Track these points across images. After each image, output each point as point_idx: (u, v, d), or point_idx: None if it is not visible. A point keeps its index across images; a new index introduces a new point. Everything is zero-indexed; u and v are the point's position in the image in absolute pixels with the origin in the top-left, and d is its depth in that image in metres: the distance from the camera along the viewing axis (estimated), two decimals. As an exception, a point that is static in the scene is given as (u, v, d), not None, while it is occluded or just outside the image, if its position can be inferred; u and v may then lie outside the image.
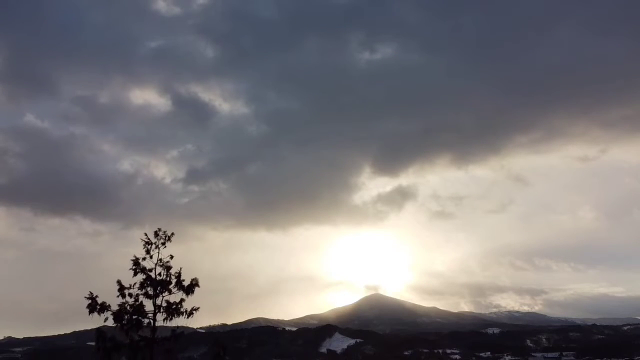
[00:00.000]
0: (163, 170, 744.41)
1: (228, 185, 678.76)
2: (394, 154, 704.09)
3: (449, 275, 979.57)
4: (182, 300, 14.63)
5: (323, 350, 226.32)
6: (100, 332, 14.31)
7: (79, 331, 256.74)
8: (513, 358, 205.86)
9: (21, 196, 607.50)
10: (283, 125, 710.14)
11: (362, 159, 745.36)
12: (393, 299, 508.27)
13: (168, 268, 14.52)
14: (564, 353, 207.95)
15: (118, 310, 14.25)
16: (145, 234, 14.63)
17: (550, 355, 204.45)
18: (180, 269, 14.71)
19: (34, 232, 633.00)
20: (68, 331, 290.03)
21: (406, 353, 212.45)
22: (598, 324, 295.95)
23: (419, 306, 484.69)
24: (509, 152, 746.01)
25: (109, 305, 14.19)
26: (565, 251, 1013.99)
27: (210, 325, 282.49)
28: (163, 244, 14.60)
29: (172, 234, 14.60)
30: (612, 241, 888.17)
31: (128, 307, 14.37)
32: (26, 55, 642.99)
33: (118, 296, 14.28)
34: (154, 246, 14.65)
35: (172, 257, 14.60)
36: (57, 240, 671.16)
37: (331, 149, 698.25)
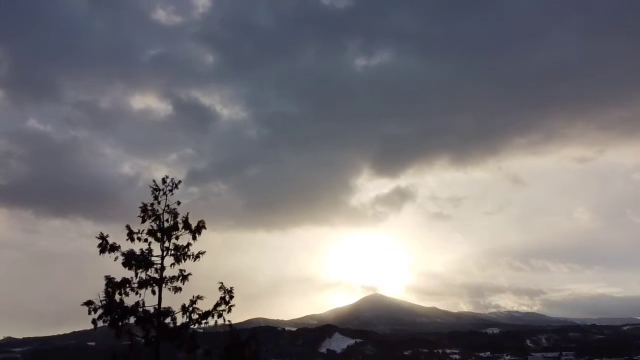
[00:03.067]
0: (163, 172, 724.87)
1: (228, 187, 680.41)
2: (393, 156, 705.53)
3: (447, 276, 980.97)
4: (188, 244, 14.86)
5: (323, 350, 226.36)
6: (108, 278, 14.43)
7: (79, 331, 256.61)
8: (513, 358, 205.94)
9: (23, 198, 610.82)
10: (282, 128, 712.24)
11: (361, 160, 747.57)
12: (392, 299, 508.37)
13: (175, 214, 14.71)
14: (563, 353, 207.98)
15: (128, 252, 14.41)
16: (154, 181, 14.94)
17: (549, 355, 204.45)
18: (187, 213, 15.02)
19: (35, 233, 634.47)
20: (68, 331, 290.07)
21: (406, 353, 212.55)
22: (598, 324, 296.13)
23: (419, 306, 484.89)
24: (507, 154, 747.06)
25: (119, 246, 14.37)
26: (563, 252, 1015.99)
27: (210, 325, 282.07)
28: (170, 190, 14.88)
29: (180, 181, 14.95)
30: (609, 242, 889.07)
31: (137, 251, 14.58)
32: (30, 60, 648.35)
33: (127, 240, 14.51)
34: (161, 192, 14.88)
35: (179, 203, 14.89)
36: (59, 241, 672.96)
37: (330, 150, 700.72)
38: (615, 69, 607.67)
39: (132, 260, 14.32)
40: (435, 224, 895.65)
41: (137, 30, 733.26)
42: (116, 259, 14.30)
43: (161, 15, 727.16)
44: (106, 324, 14.06)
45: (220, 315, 14.73)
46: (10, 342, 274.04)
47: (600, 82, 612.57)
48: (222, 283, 14.88)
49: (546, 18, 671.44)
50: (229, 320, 14.86)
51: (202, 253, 14.82)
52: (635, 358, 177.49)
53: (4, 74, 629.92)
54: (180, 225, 14.84)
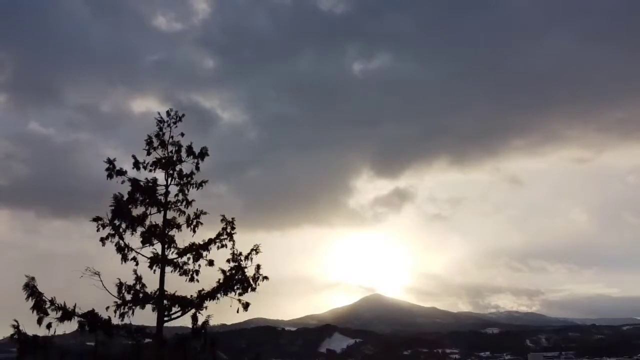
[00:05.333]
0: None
1: (228, 188, 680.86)
2: (392, 157, 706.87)
3: (446, 276, 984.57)
4: (192, 172, 14.97)
5: (323, 350, 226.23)
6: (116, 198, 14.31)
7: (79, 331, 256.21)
8: (512, 358, 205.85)
9: (25, 199, 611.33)
10: (282, 131, 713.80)
11: (360, 162, 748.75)
12: (392, 299, 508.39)
13: (179, 146, 14.85)
14: (563, 353, 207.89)
15: (134, 178, 14.46)
16: (159, 113, 14.98)
17: (549, 354, 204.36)
18: (191, 142, 15.10)
19: (37, 234, 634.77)
20: (68, 331, 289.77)
21: (406, 353, 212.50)
22: (597, 325, 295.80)
23: (418, 306, 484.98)
24: (505, 155, 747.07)
25: (126, 171, 14.41)
26: (560, 252, 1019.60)
27: (210, 325, 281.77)
28: (174, 122, 14.98)
29: (183, 114, 14.95)
30: (606, 243, 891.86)
31: (142, 180, 14.59)
32: (32, 65, 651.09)
33: (133, 168, 14.59)
34: (165, 124, 14.98)
35: (182, 134, 14.97)
36: (60, 242, 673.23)
37: (329, 152, 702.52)
38: (612, 71, 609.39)
39: (138, 185, 14.39)
40: (434, 225, 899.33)
41: (138, 36, 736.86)
42: (123, 182, 14.38)
43: (162, 21, 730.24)
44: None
45: (223, 245, 14.64)
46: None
47: (598, 84, 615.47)
48: (223, 215, 14.86)
49: (544, 21, 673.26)
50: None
51: (205, 182, 14.99)
52: (635, 358, 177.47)
53: (7, 78, 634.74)
54: (184, 154, 14.95)
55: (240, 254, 14.72)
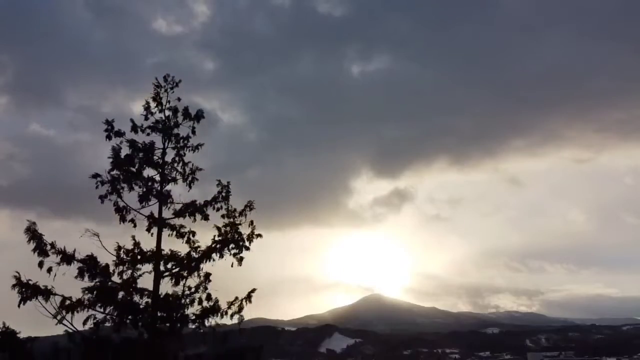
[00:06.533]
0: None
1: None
2: (391, 158, 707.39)
3: (445, 276, 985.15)
4: (188, 135, 15.00)
5: (322, 350, 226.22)
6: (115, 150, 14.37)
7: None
8: (512, 357, 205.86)
9: (26, 200, 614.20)
10: (282, 131, 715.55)
11: (360, 162, 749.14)
12: (392, 299, 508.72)
13: (175, 110, 14.88)
14: (563, 352, 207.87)
15: (131, 141, 14.46)
16: (156, 78, 14.96)
17: (549, 354, 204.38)
18: (186, 106, 15.09)
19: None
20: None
21: (405, 352, 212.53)
22: (597, 325, 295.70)
23: (418, 306, 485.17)
24: (505, 156, 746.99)
25: (124, 133, 14.43)
26: (559, 253, 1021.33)
27: (210, 325, 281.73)
28: (172, 88, 14.97)
29: (180, 80, 15.01)
30: (605, 243, 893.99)
31: (140, 143, 14.59)
32: (34, 67, 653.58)
33: (131, 132, 14.59)
34: (163, 89, 14.94)
35: (179, 99, 15.00)
36: (60, 242, 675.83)
37: (329, 153, 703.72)
38: (612, 72, 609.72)
39: (136, 146, 14.45)
40: (433, 225, 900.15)
41: (138, 39, 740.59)
42: (121, 142, 14.41)
43: (162, 24, 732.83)
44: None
45: (219, 208, 14.66)
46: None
47: (597, 85, 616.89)
48: (219, 180, 14.84)
49: (544, 22, 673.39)
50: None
51: (201, 145, 15.01)
52: (635, 357, 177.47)
53: (9, 80, 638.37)
54: (181, 117, 14.99)
55: (235, 210, 14.69)
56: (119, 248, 13.95)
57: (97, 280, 13.42)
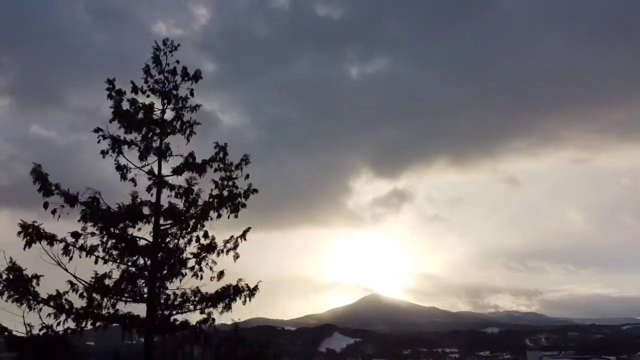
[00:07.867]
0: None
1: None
2: (391, 158, 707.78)
3: (445, 276, 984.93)
4: (187, 97, 14.91)
5: (322, 349, 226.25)
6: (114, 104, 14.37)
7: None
8: (512, 357, 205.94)
9: (27, 200, 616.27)
10: (281, 132, 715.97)
11: (360, 163, 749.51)
12: (391, 299, 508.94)
13: (174, 73, 14.79)
14: (562, 352, 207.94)
15: (132, 100, 14.49)
16: (155, 42, 14.86)
17: (549, 354, 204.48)
18: (185, 67, 14.90)
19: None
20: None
21: (405, 352, 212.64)
22: (597, 324, 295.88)
23: (418, 306, 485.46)
24: (504, 156, 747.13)
25: (125, 92, 14.48)
26: (558, 253, 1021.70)
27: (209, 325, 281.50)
28: (170, 51, 14.85)
29: (179, 44, 14.91)
30: (604, 243, 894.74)
31: (139, 104, 14.56)
32: (35, 69, 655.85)
33: (131, 92, 14.54)
34: (162, 53, 14.82)
35: (178, 62, 14.85)
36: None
37: (329, 153, 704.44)
38: (612, 72, 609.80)
39: (136, 105, 14.45)
40: (433, 225, 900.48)
41: (138, 42, 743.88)
42: (121, 101, 14.41)
43: (162, 27, 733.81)
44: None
45: (217, 169, 14.59)
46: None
47: (597, 85, 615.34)
48: (217, 142, 14.65)
49: (543, 22, 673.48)
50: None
51: (199, 105, 14.95)
52: (635, 356, 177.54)
53: (10, 82, 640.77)
54: (179, 79, 14.89)
55: (232, 163, 14.63)
56: (119, 205, 13.94)
57: (99, 224, 13.49)
